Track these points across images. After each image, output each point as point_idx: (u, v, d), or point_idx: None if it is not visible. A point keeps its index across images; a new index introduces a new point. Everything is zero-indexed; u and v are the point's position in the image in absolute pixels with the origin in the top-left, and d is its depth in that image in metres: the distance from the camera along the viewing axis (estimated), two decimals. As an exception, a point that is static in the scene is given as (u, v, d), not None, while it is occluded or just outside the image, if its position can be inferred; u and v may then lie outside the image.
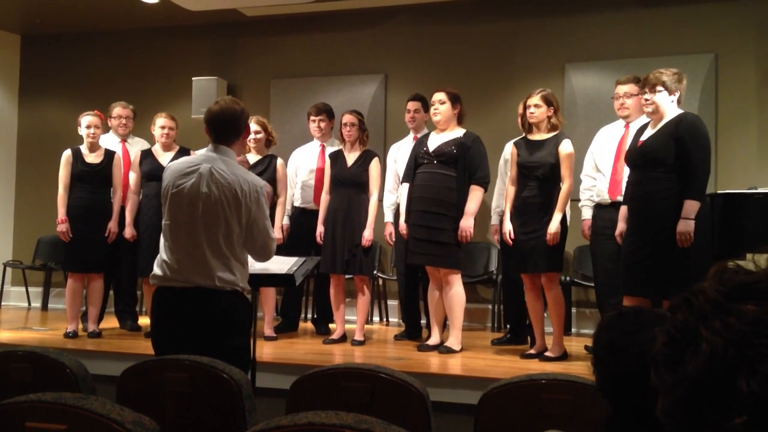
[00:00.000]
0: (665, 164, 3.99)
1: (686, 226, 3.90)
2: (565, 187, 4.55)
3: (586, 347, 5.07)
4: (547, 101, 4.65)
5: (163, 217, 3.09)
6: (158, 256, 3.06)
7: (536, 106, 4.65)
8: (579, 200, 5.17)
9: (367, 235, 5.22)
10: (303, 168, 5.91)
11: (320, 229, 5.40)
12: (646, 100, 4.11)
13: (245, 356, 3.09)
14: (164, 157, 5.57)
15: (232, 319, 3.00)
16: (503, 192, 5.50)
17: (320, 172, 5.78)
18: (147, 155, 5.69)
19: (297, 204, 5.89)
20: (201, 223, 2.96)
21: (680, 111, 4.10)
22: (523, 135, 5.12)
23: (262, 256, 3.14)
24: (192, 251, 2.96)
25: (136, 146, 6.10)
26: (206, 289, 2.94)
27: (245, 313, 3.10)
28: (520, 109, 5.33)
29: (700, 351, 0.76)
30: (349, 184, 5.32)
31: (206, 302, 2.94)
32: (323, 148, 5.91)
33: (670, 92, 4.06)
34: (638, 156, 4.10)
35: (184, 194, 2.99)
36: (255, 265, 3.29)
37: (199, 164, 3.02)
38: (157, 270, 3.04)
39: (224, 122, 3.08)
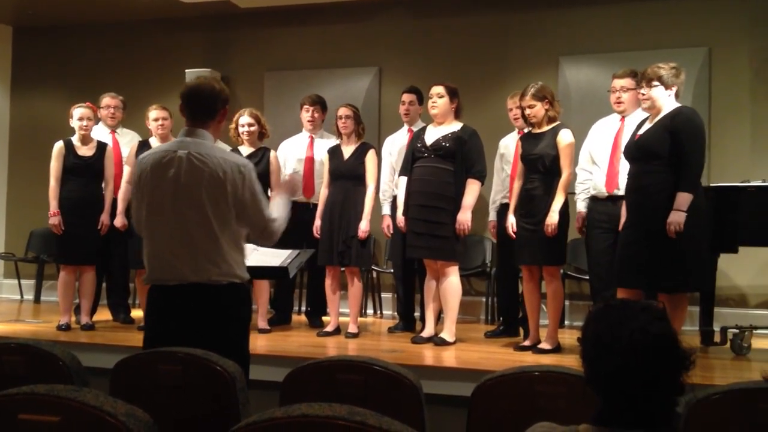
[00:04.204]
0: (660, 157, 3.99)
1: (677, 216, 3.90)
2: (563, 177, 4.55)
3: (578, 339, 5.07)
4: (539, 97, 4.61)
5: (137, 210, 2.95)
6: (144, 252, 2.92)
7: (530, 106, 4.63)
8: (574, 193, 5.16)
9: (364, 226, 5.22)
10: (291, 158, 5.89)
11: (317, 222, 5.39)
12: (642, 94, 4.11)
13: (242, 352, 2.91)
14: None
15: (229, 315, 2.87)
16: (499, 187, 5.52)
17: (309, 161, 5.77)
18: (143, 146, 5.60)
19: None
20: (186, 215, 2.81)
21: (677, 105, 4.09)
22: (516, 130, 5.15)
23: (267, 239, 2.98)
24: (181, 245, 2.82)
25: (126, 137, 6.08)
26: (200, 285, 2.80)
27: (243, 307, 2.96)
28: (509, 105, 5.41)
29: None
30: (346, 177, 5.33)
31: (202, 299, 2.81)
32: (312, 139, 5.90)
33: (667, 87, 4.04)
34: (635, 149, 4.12)
35: (165, 186, 2.83)
36: (248, 258, 3.14)
37: (176, 151, 2.84)
38: (147, 268, 2.91)
39: (201, 99, 2.91)
